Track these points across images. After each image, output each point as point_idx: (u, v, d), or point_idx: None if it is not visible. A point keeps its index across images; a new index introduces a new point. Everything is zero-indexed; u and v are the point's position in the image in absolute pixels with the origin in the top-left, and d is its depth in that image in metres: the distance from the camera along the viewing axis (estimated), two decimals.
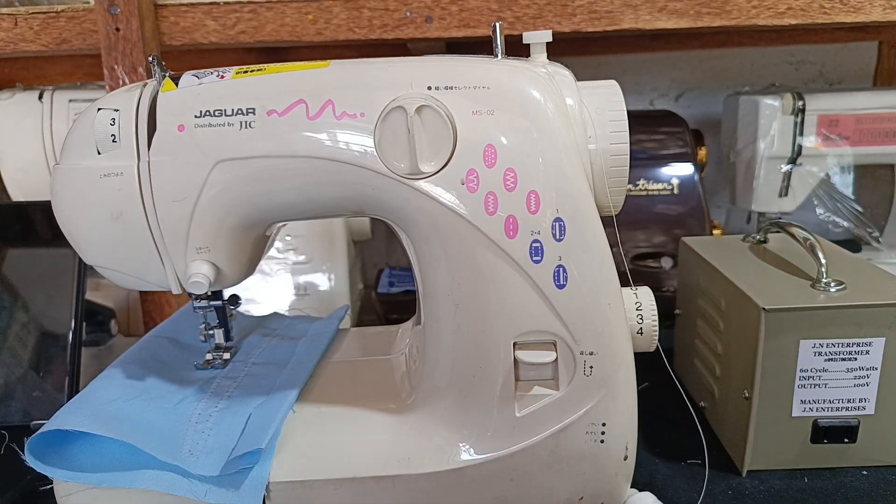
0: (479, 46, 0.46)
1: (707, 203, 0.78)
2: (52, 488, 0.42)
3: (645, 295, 0.43)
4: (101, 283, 0.74)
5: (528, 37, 0.41)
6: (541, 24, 0.64)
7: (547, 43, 0.41)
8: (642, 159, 0.79)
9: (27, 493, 0.49)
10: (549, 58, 0.41)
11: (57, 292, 0.60)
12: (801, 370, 0.47)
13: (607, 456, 0.42)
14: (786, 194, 0.80)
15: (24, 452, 0.40)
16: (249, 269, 0.44)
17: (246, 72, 0.40)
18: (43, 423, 0.40)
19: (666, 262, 0.78)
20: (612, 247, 0.40)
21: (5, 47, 0.65)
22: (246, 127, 0.39)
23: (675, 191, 0.78)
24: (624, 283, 0.41)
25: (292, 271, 0.71)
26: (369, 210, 0.41)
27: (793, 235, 0.53)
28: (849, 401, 0.48)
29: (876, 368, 0.47)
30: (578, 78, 0.41)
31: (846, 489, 0.47)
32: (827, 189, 0.81)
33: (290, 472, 0.41)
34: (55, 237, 0.56)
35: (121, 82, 0.62)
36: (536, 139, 0.38)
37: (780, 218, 0.80)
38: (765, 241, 0.60)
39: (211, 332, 0.50)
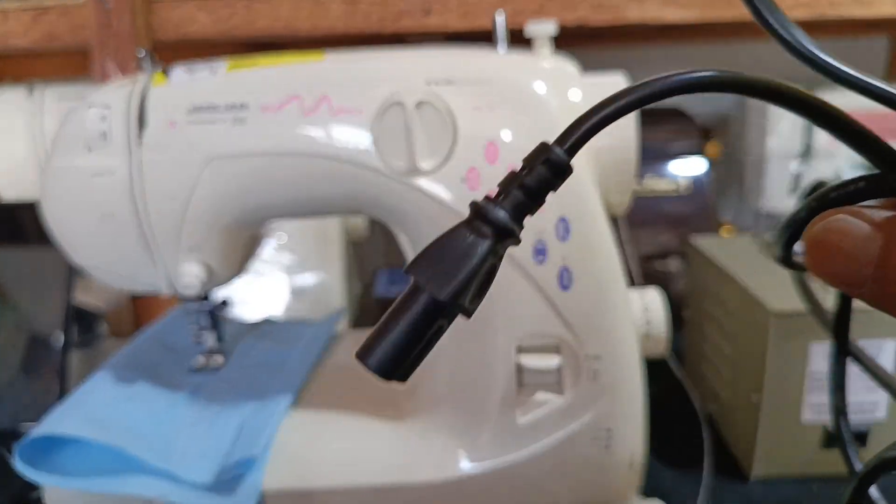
0: (480, 42, 0.45)
1: (715, 202, 0.77)
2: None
3: (654, 297, 0.42)
4: (91, 284, 0.73)
5: (531, 29, 0.40)
6: (543, 17, 0.63)
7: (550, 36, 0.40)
8: (649, 157, 0.77)
9: (18, 498, 0.48)
10: (552, 51, 0.40)
11: (46, 294, 0.59)
12: (811, 373, 0.46)
13: (613, 463, 0.41)
14: (796, 192, 0.78)
15: (13, 457, 0.39)
16: (242, 267, 0.44)
17: (239, 65, 0.39)
18: (32, 427, 0.39)
19: (673, 263, 0.76)
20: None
21: None
22: (239, 123, 0.38)
23: (683, 190, 0.77)
24: (630, 283, 0.40)
25: (287, 272, 0.70)
26: (366, 209, 0.40)
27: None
28: (860, 405, 0.47)
29: (887, 371, 0.46)
30: (583, 72, 0.40)
31: None
32: None
33: (284, 480, 0.40)
34: (45, 238, 0.56)
35: (112, 78, 0.61)
36: (539, 136, 0.36)
37: None
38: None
39: (202, 334, 0.48)
